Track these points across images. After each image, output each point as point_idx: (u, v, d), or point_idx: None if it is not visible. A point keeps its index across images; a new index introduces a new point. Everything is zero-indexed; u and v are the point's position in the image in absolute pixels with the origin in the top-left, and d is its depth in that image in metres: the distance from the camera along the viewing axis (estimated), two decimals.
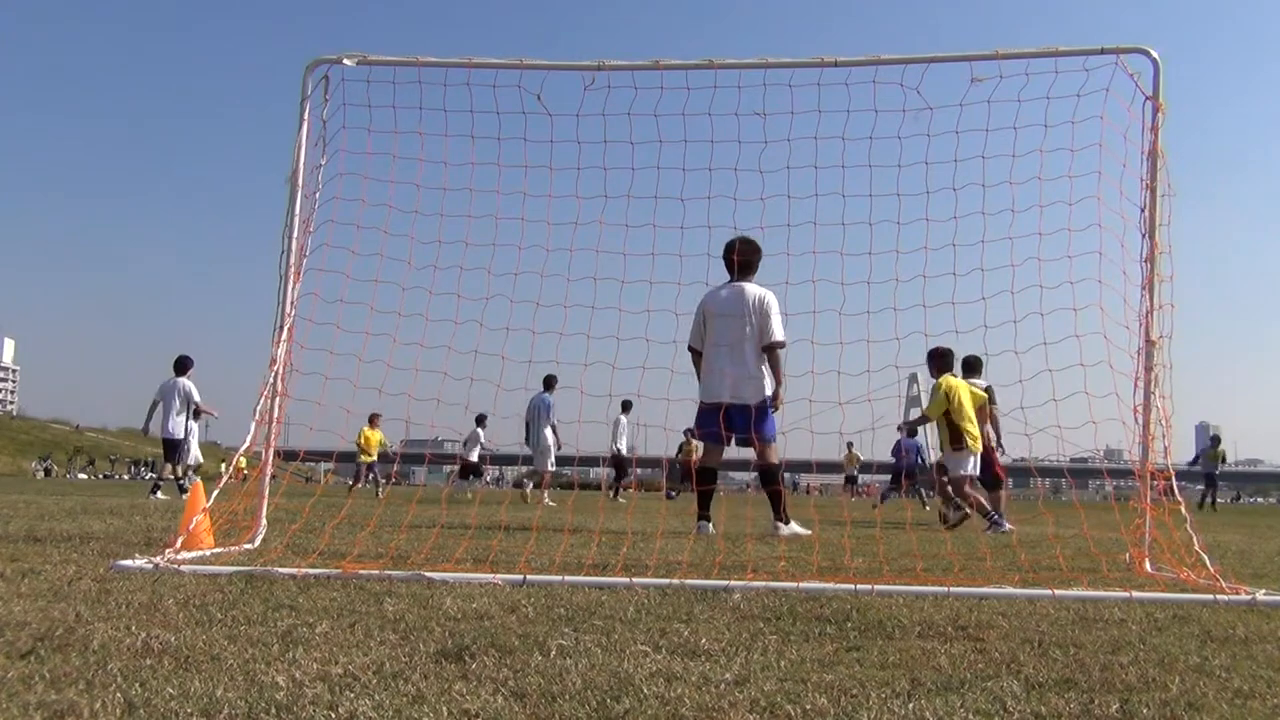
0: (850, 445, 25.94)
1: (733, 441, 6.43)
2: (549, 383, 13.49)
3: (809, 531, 6.40)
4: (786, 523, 6.29)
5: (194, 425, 13.67)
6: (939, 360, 8.82)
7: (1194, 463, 21.65)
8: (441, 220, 4.91)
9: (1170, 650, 2.24)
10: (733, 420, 6.30)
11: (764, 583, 3.31)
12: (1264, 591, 3.31)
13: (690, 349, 6.55)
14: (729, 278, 6.56)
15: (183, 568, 3.40)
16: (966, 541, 6.26)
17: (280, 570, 3.35)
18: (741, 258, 6.44)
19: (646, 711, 1.58)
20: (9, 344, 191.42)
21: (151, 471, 71.19)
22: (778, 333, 6.40)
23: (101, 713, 1.48)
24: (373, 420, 17.45)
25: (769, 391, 6.38)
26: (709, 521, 6.39)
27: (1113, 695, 1.76)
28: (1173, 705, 1.69)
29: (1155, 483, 4.25)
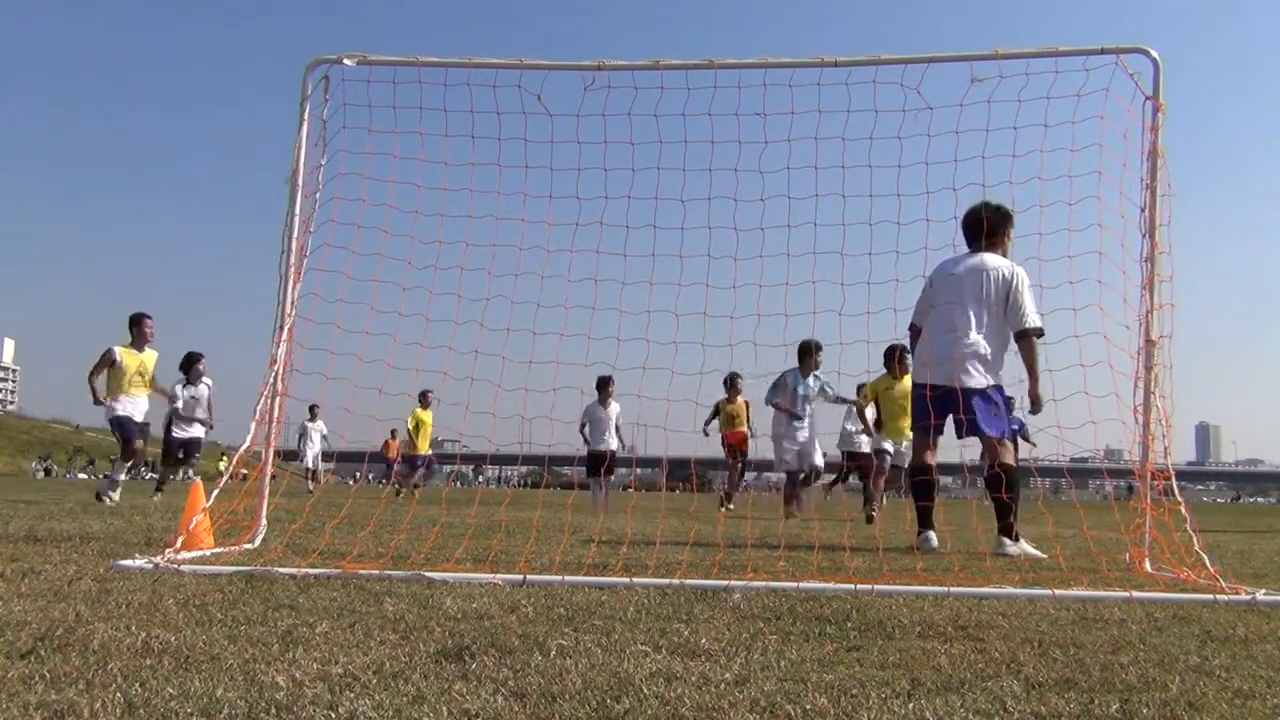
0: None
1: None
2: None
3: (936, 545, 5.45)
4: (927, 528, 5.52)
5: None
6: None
7: None
8: (442, 220, 4.92)
9: (1170, 650, 2.24)
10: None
11: (764, 583, 3.31)
12: (1264, 591, 3.31)
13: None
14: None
15: (183, 568, 3.40)
16: (966, 541, 6.25)
17: (280, 570, 3.35)
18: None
19: (646, 711, 1.58)
20: (9, 344, 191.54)
21: (154, 471, 71.18)
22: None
23: (101, 713, 1.48)
24: (424, 399, 15.52)
25: None
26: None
27: (1113, 695, 1.76)
28: (1173, 705, 1.69)
29: (1155, 483, 4.25)
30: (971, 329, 5.29)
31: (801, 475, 10.51)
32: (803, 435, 10.43)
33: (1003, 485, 5.19)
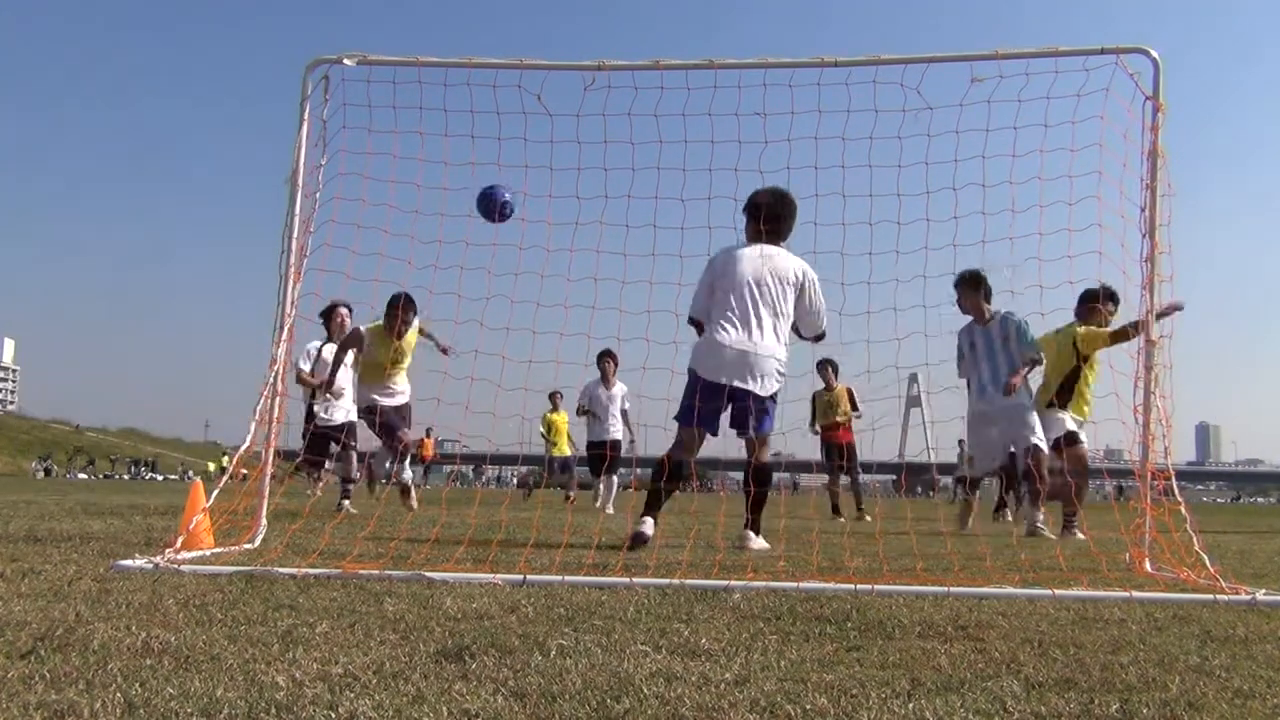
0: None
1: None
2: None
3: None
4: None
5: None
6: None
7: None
8: (442, 220, 4.92)
9: (1170, 650, 2.24)
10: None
11: (764, 583, 3.31)
12: (1264, 591, 3.31)
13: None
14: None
15: (183, 568, 3.40)
16: (966, 541, 6.25)
17: (280, 570, 3.35)
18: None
19: (646, 711, 1.58)
20: (9, 344, 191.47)
21: (153, 471, 70.39)
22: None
23: (101, 713, 1.48)
24: (554, 400, 13.36)
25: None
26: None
27: (1113, 695, 1.76)
28: (1173, 705, 1.69)
29: (1155, 483, 4.25)
30: (776, 336, 5.08)
31: (997, 468, 7.62)
32: (995, 406, 7.27)
33: (769, 480, 5.29)
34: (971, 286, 7.27)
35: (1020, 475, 7.44)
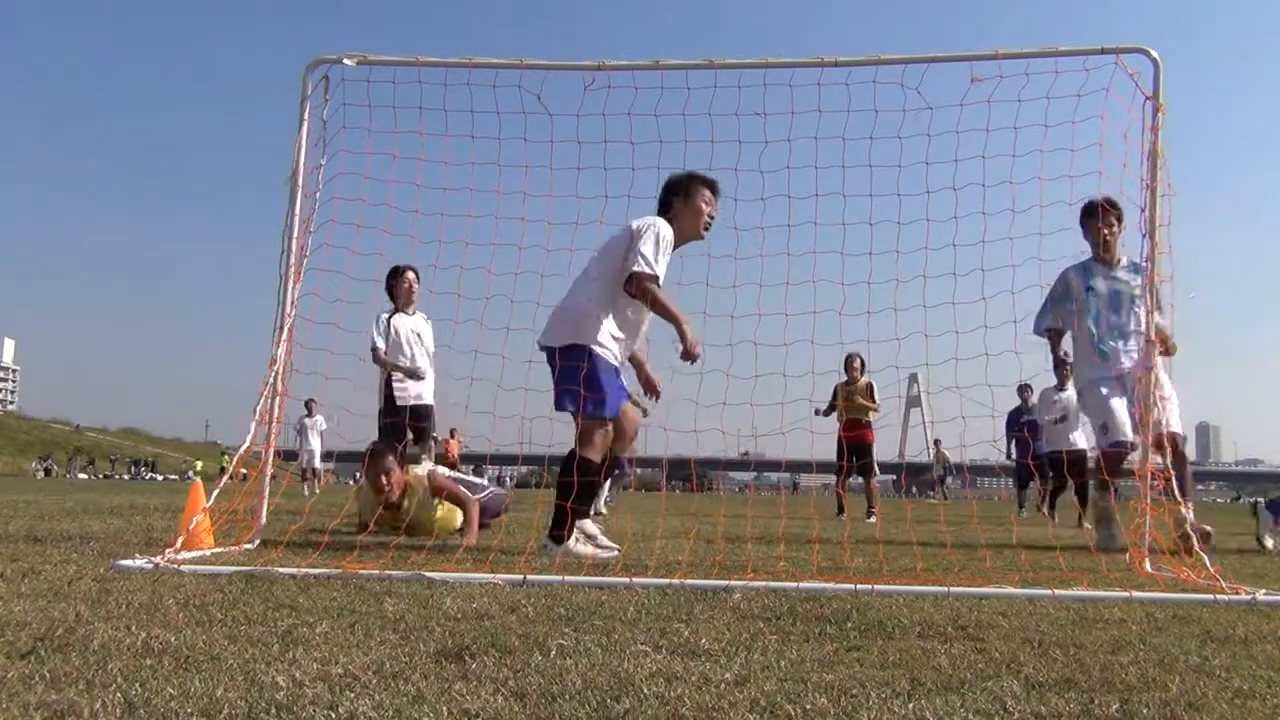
0: (938, 443, 23.70)
1: None
2: None
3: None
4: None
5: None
6: None
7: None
8: (442, 220, 4.92)
9: (1170, 650, 2.24)
10: None
11: (764, 583, 3.31)
12: (1264, 591, 3.31)
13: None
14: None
15: (183, 568, 3.40)
16: (966, 542, 6.25)
17: (280, 570, 3.36)
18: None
19: (646, 711, 1.58)
20: (9, 344, 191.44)
21: (153, 471, 70.05)
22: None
23: (101, 713, 1.48)
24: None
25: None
26: None
27: (1113, 695, 1.76)
28: (1173, 705, 1.69)
29: (1155, 483, 4.25)
30: (577, 293, 4.53)
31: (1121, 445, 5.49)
32: (1122, 365, 5.59)
33: (571, 475, 4.30)
34: (1115, 213, 5.63)
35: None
